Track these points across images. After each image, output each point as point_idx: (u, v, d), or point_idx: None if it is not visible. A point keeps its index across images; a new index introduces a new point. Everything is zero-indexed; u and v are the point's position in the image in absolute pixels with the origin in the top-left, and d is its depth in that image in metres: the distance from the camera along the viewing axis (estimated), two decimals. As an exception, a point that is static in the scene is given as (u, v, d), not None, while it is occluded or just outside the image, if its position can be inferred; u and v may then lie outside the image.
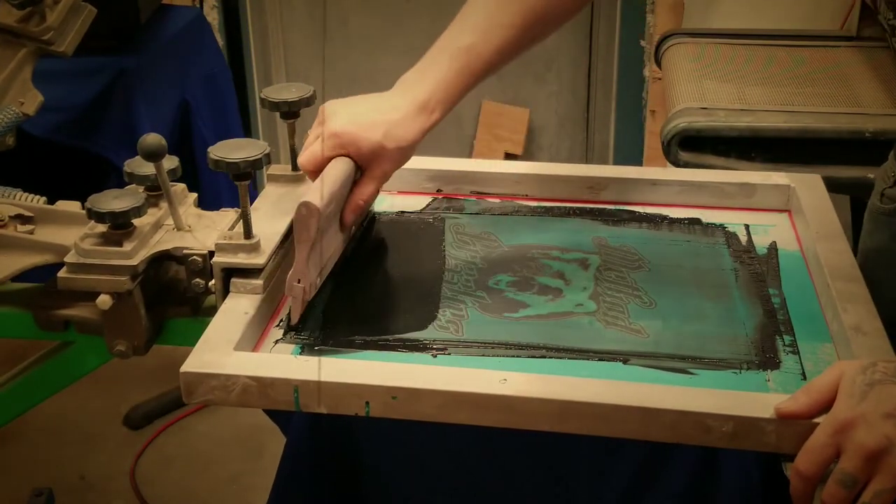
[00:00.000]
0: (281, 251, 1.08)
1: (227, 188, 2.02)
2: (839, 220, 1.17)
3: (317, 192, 1.00)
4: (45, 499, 1.94)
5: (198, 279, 1.07)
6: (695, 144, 1.63)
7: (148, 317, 1.08)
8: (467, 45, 1.09)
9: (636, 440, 0.89)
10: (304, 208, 0.99)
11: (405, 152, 1.09)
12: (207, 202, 1.19)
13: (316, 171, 1.06)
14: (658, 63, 2.13)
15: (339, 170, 1.05)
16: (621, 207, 1.27)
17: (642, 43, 3.01)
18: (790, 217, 1.24)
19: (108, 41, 1.95)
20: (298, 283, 1.01)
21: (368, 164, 1.07)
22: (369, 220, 1.24)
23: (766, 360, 0.98)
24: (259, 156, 1.03)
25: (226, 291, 1.03)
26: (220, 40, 2.77)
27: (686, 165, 1.62)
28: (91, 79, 1.93)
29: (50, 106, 1.39)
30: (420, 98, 1.08)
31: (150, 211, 1.10)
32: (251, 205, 1.08)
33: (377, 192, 1.10)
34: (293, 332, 1.02)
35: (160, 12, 2.23)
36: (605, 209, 1.26)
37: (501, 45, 1.11)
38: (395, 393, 0.89)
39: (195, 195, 1.17)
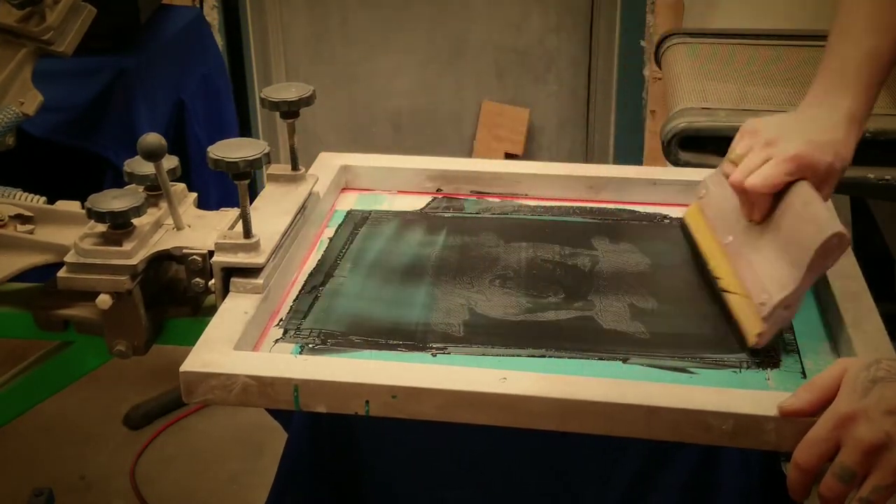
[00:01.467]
0: (280, 251, 1.08)
1: (216, 188, 2.02)
2: (839, 220, 1.17)
3: (839, 222, 0.96)
4: (45, 499, 1.94)
5: (198, 279, 1.07)
6: (695, 144, 1.63)
7: (148, 317, 1.08)
8: (871, 48, 1.06)
9: (637, 439, 0.89)
10: (837, 238, 0.95)
11: (843, 172, 1.05)
12: (198, 202, 1.19)
13: (767, 196, 1.02)
14: (658, 63, 2.13)
15: (818, 196, 1.01)
16: (621, 207, 1.27)
17: (642, 43, 3.01)
18: (790, 216, 1.23)
19: (108, 41, 1.94)
20: (785, 310, 0.97)
21: (818, 186, 1.03)
22: (368, 219, 1.24)
23: (766, 358, 0.98)
24: (259, 155, 1.03)
25: (226, 291, 1.03)
26: (220, 40, 2.77)
27: (686, 165, 1.62)
28: (91, 79, 1.93)
29: (50, 106, 1.38)
30: (852, 112, 1.05)
31: (150, 211, 1.10)
32: (251, 204, 1.08)
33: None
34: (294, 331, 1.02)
35: (160, 12, 2.22)
36: (605, 209, 1.26)
37: (892, 46, 1.07)
38: (395, 392, 0.89)
39: (195, 195, 1.17)
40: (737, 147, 1.06)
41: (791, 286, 0.96)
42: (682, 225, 1.18)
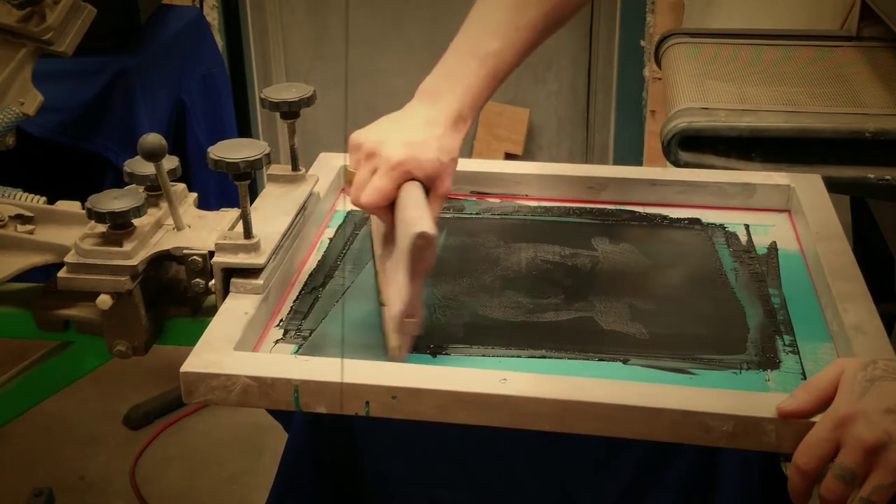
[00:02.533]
0: (281, 251, 1.08)
1: (217, 189, 2.02)
2: (839, 220, 1.17)
3: (427, 220, 0.96)
4: (45, 499, 1.94)
5: (198, 279, 1.07)
6: (695, 144, 1.63)
7: (148, 317, 1.08)
8: (494, 50, 1.08)
9: (637, 440, 0.89)
10: (422, 239, 0.94)
11: (455, 163, 1.07)
12: (198, 202, 1.19)
13: (385, 208, 1.03)
14: (658, 63, 2.13)
15: (422, 195, 1.01)
16: (621, 207, 1.27)
17: (642, 43, 3.01)
18: (790, 217, 1.24)
19: (108, 41, 1.95)
20: (409, 318, 0.96)
21: (432, 183, 1.04)
22: (368, 220, 1.24)
23: (766, 360, 0.98)
24: (259, 156, 1.02)
25: (226, 291, 1.03)
26: (220, 40, 2.77)
27: (686, 165, 1.62)
28: (91, 79, 1.93)
29: (50, 106, 1.38)
30: (454, 107, 1.06)
31: (150, 211, 1.10)
32: (251, 205, 1.08)
33: (440, 210, 1.07)
34: (291, 332, 1.02)
35: (160, 12, 2.23)
36: (605, 209, 1.26)
37: (524, 47, 1.10)
38: (395, 393, 0.89)
39: (195, 195, 1.17)
40: (348, 165, 1.07)
41: (405, 297, 0.95)
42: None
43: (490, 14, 1.11)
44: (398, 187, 1.02)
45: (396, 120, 1.08)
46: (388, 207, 1.03)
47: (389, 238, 1.05)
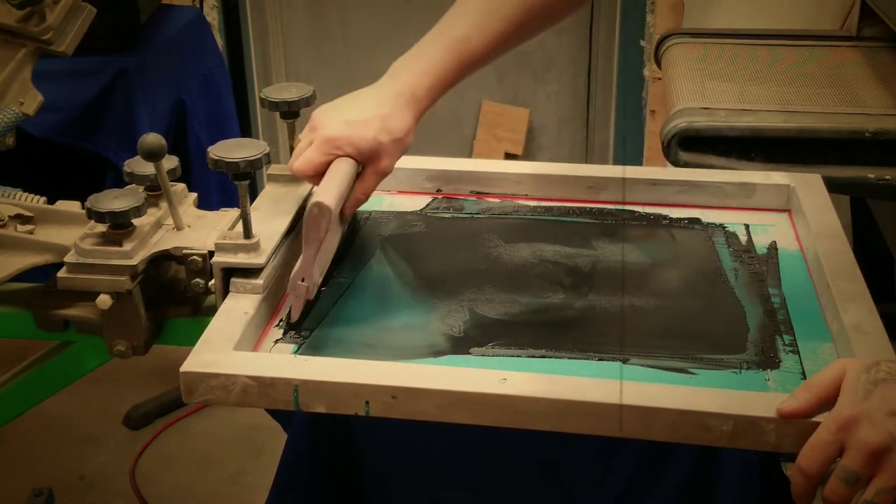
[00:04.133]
0: (281, 251, 1.08)
1: (217, 189, 2.02)
2: (839, 220, 1.17)
3: (329, 193, 1.02)
4: (45, 499, 1.94)
5: (197, 279, 1.07)
6: (695, 144, 1.63)
7: (148, 317, 1.08)
8: (462, 35, 1.11)
9: (636, 440, 0.89)
10: (317, 208, 1.00)
11: (402, 143, 1.10)
12: (198, 202, 1.19)
13: (314, 176, 1.08)
14: (658, 63, 2.13)
15: (344, 170, 1.06)
16: (621, 207, 1.26)
17: (642, 43, 3.01)
18: (790, 217, 1.24)
19: (108, 41, 1.95)
20: (302, 281, 1.02)
21: (369, 160, 1.09)
22: (364, 219, 1.24)
23: (766, 359, 0.98)
24: (259, 156, 1.03)
25: (226, 291, 1.03)
26: (220, 40, 2.77)
27: (686, 165, 1.62)
28: (91, 79, 1.93)
29: (50, 106, 1.38)
30: (408, 87, 1.09)
31: (150, 211, 1.10)
32: (251, 204, 1.08)
33: (376, 186, 1.11)
34: (292, 332, 1.02)
35: (160, 12, 2.23)
36: (605, 209, 1.26)
37: (496, 37, 1.11)
38: (395, 393, 0.89)
39: (195, 195, 1.17)
40: (300, 135, 1.12)
41: (300, 261, 1.02)
42: None
43: (466, 4, 1.13)
44: (327, 162, 1.07)
45: (353, 97, 1.12)
46: (316, 178, 1.08)
47: None
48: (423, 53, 1.12)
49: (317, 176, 1.08)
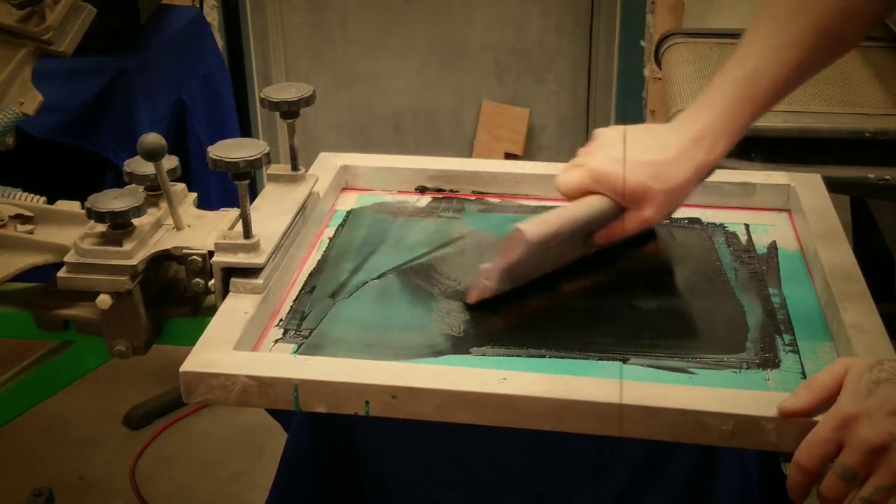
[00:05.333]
0: (281, 251, 1.08)
1: (217, 189, 2.02)
2: (839, 220, 1.17)
3: (540, 225, 1.02)
4: (45, 499, 1.94)
5: (197, 279, 1.07)
6: (695, 144, 1.62)
7: (148, 317, 1.08)
8: (749, 70, 1.02)
9: (634, 439, 0.89)
10: (517, 233, 1.01)
11: (673, 195, 1.04)
12: (198, 202, 1.19)
13: (571, 198, 1.06)
14: (658, 63, 2.13)
15: (584, 210, 1.04)
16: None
17: (642, 43, 3.01)
18: (790, 217, 1.24)
19: (108, 41, 1.95)
20: (485, 280, 1.04)
21: (632, 204, 1.03)
22: (362, 218, 1.24)
23: (766, 359, 0.98)
24: (258, 155, 1.02)
25: (225, 291, 1.03)
26: (220, 40, 2.77)
27: (686, 165, 1.62)
28: (91, 79, 1.93)
29: (50, 106, 1.38)
30: (694, 133, 1.02)
31: (150, 211, 1.10)
32: (251, 204, 1.08)
33: (634, 231, 1.07)
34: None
35: (160, 12, 2.23)
36: (604, 209, 1.26)
37: (787, 68, 1.02)
38: (395, 392, 0.89)
39: (195, 195, 1.17)
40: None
41: (492, 263, 1.04)
42: None
43: (755, 32, 1.05)
44: (579, 187, 1.06)
45: (638, 136, 1.05)
46: (571, 198, 1.07)
47: None
48: (711, 97, 1.04)
49: (573, 198, 1.06)
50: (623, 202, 1.04)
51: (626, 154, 1.02)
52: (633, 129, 1.07)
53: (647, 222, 1.05)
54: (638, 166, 1.02)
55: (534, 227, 1.02)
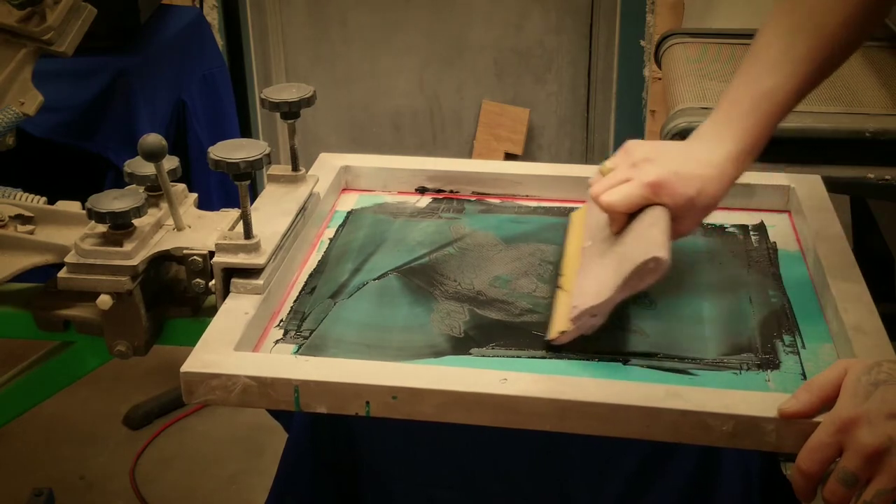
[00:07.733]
0: (281, 251, 1.08)
1: (217, 189, 2.02)
2: (839, 220, 1.17)
3: (667, 248, 0.97)
4: (45, 499, 1.94)
5: (198, 279, 1.07)
6: (695, 144, 1.63)
7: (148, 317, 1.08)
8: (769, 88, 1.04)
9: (634, 440, 0.89)
10: (654, 263, 0.96)
11: (707, 210, 1.05)
12: (199, 203, 1.19)
13: (626, 214, 1.03)
14: (658, 63, 2.13)
15: (666, 222, 1.01)
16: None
17: (642, 43, 3.01)
18: (790, 217, 1.24)
19: (108, 41, 1.95)
20: (594, 317, 0.98)
21: (674, 217, 1.03)
22: (363, 219, 1.24)
23: (766, 360, 0.98)
24: (259, 156, 1.03)
25: (226, 291, 1.03)
26: (220, 40, 2.77)
27: (686, 165, 1.62)
28: (91, 79, 1.93)
29: (50, 106, 1.38)
30: (734, 151, 1.03)
31: (151, 211, 1.10)
32: (251, 205, 1.08)
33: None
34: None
35: (160, 12, 2.23)
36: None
37: (800, 83, 1.04)
38: (395, 393, 0.89)
39: (195, 195, 1.17)
40: (608, 161, 1.07)
41: (603, 297, 0.97)
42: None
43: (766, 45, 1.06)
44: (639, 202, 1.02)
45: (675, 147, 1.06)
46: (624, 214, 1.03)
47: (606, 235, 1.06)
48: (734, 116, 1.05)
49: (625, 214, 1.03)
50: (671, 212, 1.03)
51: (677, 168, 1.02)
52: (667, 145, 1.07)
53: (681, 234, 1.05)
54: (689, 179, 1.02)
55: (665, 252, 0.96)
